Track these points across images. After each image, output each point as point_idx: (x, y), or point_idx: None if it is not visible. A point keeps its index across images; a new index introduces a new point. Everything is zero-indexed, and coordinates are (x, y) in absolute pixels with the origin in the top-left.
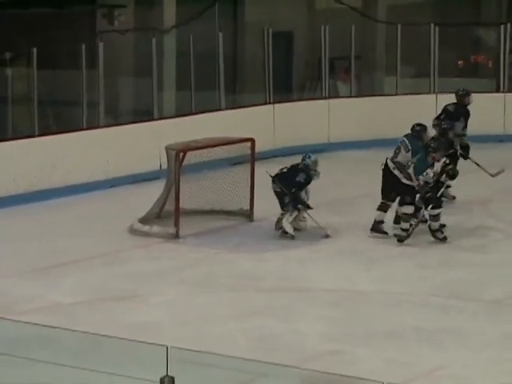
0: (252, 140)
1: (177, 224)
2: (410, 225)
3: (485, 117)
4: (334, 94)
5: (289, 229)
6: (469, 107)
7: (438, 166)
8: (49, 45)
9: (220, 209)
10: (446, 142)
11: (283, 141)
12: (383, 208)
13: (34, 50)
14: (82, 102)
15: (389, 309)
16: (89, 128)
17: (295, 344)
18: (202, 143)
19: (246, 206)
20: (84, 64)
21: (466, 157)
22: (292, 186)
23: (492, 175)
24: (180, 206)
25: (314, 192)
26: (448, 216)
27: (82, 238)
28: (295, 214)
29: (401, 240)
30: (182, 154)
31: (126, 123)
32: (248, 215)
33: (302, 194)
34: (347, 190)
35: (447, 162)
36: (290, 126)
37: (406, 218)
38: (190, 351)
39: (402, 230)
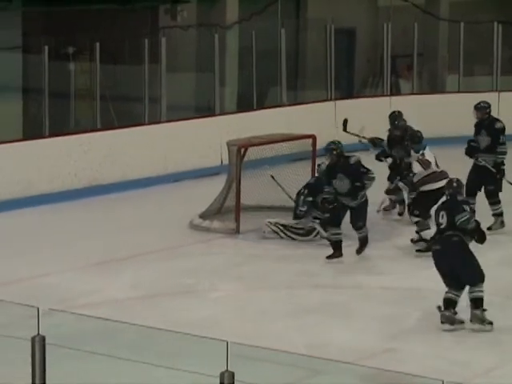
0: (313, 136)
1: (237, 220)
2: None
3: None
4: (395, 91)
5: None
6: None
7: None
8: (112, 40)
9: (280, 205)
10: None
11: (345, 137)
12: None
13: (97, 45)
14: (144, 97)
15: None
16: (150, 123)
17: (352, 341)
18: (263, 139)
19: None
20: (146, 59)
21: None
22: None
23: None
24: (241, 201)
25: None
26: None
27: (141, 233)
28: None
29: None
30: (243, 150)
31: (188, 118)
32: None
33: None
34: None
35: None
36: (351, 122)
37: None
38: (250, 347)
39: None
